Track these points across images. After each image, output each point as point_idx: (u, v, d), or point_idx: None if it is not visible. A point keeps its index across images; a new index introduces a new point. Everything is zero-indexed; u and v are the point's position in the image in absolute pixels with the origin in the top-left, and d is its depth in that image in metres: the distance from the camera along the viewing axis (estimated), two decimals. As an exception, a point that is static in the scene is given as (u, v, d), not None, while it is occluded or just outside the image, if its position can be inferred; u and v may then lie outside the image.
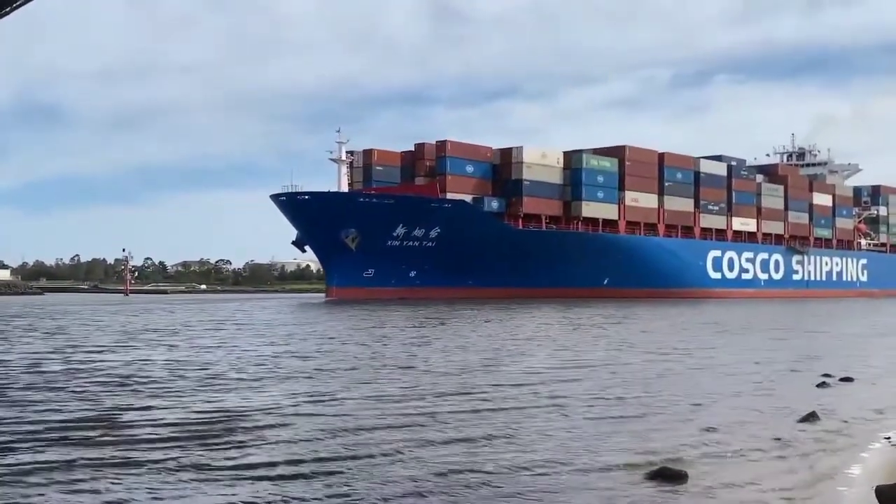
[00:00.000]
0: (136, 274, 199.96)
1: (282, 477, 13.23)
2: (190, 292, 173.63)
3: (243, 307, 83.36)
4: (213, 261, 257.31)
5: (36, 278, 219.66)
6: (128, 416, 18.27)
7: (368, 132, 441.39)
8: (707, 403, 21.24)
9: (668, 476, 13.50)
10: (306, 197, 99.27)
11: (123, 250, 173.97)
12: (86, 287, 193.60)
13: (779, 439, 16.61)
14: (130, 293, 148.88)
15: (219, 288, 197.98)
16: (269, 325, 52.80)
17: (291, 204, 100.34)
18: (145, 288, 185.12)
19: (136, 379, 24.37)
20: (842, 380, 25.71)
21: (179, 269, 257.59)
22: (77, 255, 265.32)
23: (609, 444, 16.22)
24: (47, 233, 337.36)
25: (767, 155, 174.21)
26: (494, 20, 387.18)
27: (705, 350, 36.19)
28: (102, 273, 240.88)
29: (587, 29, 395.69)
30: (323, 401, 20.66)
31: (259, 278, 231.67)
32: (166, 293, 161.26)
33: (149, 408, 19.31)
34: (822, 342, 42.88)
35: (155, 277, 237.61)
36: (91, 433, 16.31)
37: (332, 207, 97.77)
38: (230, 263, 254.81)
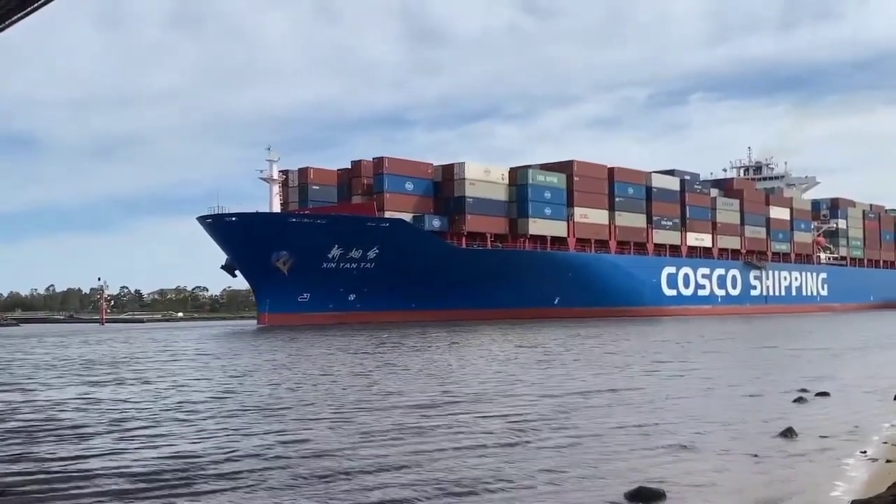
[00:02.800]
0: (112, 303, 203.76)
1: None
2: (167, 320, 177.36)
3: (168, 335, 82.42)
4: (189, 288, 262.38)
5: (11, 309, 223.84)
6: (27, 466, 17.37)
7: (347, 156, 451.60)
8: (684, 420, 22.06)
9: (647, 496, 14.00)
10: (233, 218, 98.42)
11: (99, 279, 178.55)
12: (61, 317, 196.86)
13: (756, 455, 17.32)
14: (106, 322, 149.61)
15: (196, 315, 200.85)
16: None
17: (218, 226, 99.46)
18: (121, 317, 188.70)
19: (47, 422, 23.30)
20: (818, 395, 26.91)
21: (156, 297, 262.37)
22: (52, 284, 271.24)
23: (586, 463, 16.75)
24: (22, 263, 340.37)
25: (724, 170, 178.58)
26: (472, 42, 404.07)
27: (677, 367, 37.27)
28: (78, 303, 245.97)
29: (565, 50, 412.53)
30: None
31: (237, 305, 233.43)
32: (143, 322, 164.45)
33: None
34: (794, 358, 44.08)
35: (131, 306, 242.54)
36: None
37: (261, 229, 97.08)
38: (207, 290, 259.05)
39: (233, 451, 18.14)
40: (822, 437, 19.48)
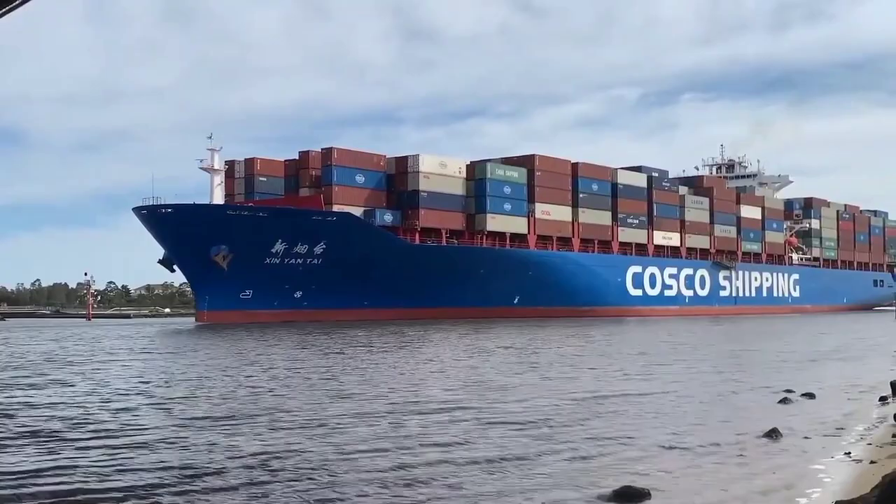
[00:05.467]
0: (99, 298, 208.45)
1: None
2: (154, 316, 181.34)
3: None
4: (176, 284, 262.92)
5: None
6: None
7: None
8: (668, 420, 22.88)
9: (632, 495, 14.62)
10: (169, 210, 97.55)
11: (85, 274, 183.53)
12: (47, 312, 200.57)
13: (740, 455, 18.05)
14: (93, 318, 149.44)
15: (182, 311, 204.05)
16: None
17: (153, 218, 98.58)
18: (108, 312, 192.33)
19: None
20: (803, 395, 27.94)
21: (143, 292, 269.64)
22: (38, 279, 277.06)
23: (571, 464, 17.35)
24: (7, 258, 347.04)
25: (696, 168, 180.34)
26: (464, 41, 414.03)
27: (657, 369, 38.20)
28: (64, 297, 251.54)
29: (555, 50, 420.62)
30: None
31: None
32: (130, 317, 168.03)
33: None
34: (777, 359, 45.18)
35: (118, 301, 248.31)
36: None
37: (198, 221, 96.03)
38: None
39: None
40: (806, 437, 20.34)
